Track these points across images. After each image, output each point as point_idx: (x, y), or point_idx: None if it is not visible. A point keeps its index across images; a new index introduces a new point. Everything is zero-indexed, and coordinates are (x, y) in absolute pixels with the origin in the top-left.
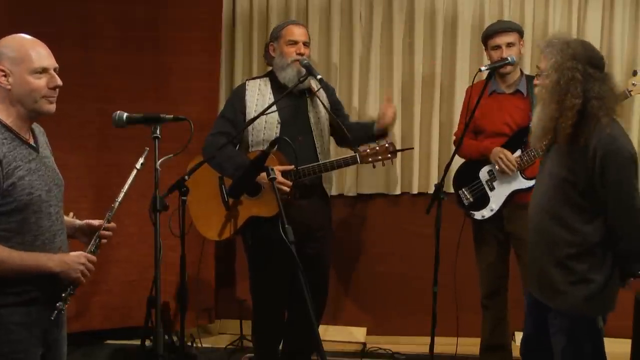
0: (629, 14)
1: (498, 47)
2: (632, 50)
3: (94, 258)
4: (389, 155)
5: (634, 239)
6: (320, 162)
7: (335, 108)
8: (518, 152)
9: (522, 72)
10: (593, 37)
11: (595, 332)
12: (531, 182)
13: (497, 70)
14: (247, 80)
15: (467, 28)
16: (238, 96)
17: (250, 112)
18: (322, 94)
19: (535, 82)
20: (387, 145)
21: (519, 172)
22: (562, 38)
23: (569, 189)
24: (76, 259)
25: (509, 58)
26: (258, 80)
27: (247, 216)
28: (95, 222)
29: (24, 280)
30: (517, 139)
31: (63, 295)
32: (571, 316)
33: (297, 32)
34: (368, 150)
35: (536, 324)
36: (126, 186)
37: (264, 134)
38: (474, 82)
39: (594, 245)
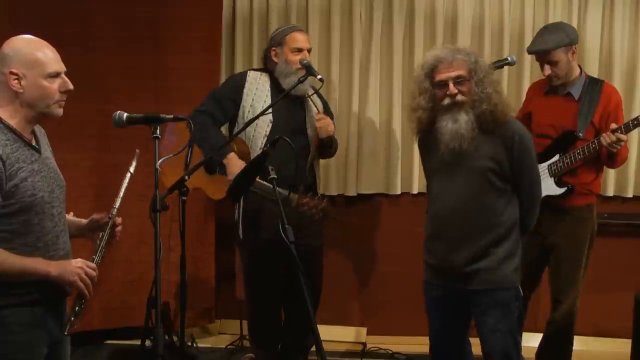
0: (629, 14)
1: (542, 65)
2: (632, 50)
3: (93, 265)
4: (320, 212)
5: (536, 211)
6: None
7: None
8: (556, 157)
9: (582, 73)
10: (593, 37)
11: (520, 300)
12: (562, 189)
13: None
14: (249, 70)
15: (467, 28)
16: (237, 86)
17: (246, 104)
18: (316, 99)
19: (456, 90)
20: (318, 200)
21: (552, 177)
22: (459, 46)
23: (493, 177)
24: (74, 263)
25: (508, 58)
26: (259, 73)
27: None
28: (99, 216)
29: (27, 281)
30: (560, 143)
31: (76, 309)
32: (504, 289)
33: (301, 39)
34: (303, 200)
35: (446, 316)
36: (121, 192)
37: (255, 130)
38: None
39: (514, 223)
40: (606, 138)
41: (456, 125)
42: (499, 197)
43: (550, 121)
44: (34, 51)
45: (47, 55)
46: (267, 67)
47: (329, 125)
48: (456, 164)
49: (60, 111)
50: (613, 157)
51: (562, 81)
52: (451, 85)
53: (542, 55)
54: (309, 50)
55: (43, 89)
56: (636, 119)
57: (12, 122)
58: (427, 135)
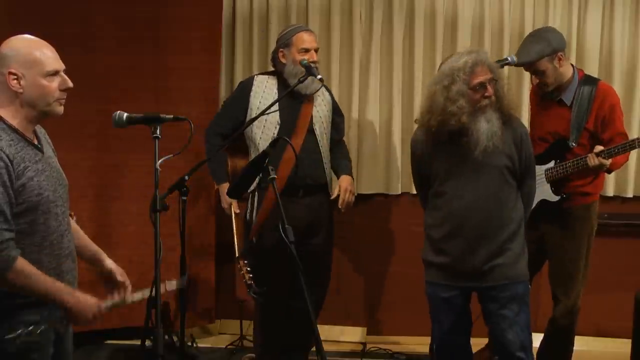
0: (629, 14)
1: (530, 75)
2: (632, 50)
3: (104, 307)
4: (248, 284)
5: (531, 206)
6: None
7: (335, 122)
8: (552, 164)
9: (575, 74)
10: (593, 37)
11: (529, 293)
12: (558, 197)
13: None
14: (256, 74)
15: (467, 28)
16: (243, 92)
17: (254, 108)
18: (326, 97)
19: (491, 92)
20: (250, 280)
21: (548, 183)
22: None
23: (507, 174)
24: (93, 307)
25: (508, 58)
26: (267, 76)
27: None
28: (118, 276)
29: None
30: (555, 149)
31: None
32: (520, 282)
33: (308, 40)
34: (241, 263)
35: (455, 316)
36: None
37: (262, 132)
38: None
39: (521, 217)
40: (591, 160)
41: (489, 125)
42: (510, 193)
43: (547, 128)
44: (33, 51)
45: (45, 54)
46: (276, 68)
47: (351, 203)
48: (477, 163)
49: (60, 109)
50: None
51: (553, 87)
52: (489, 87)
53: (527, 67)
54: (316, 50)
55: (42, 87)
56: (617, 146)
57: (14, 123)
58: (442, 139)
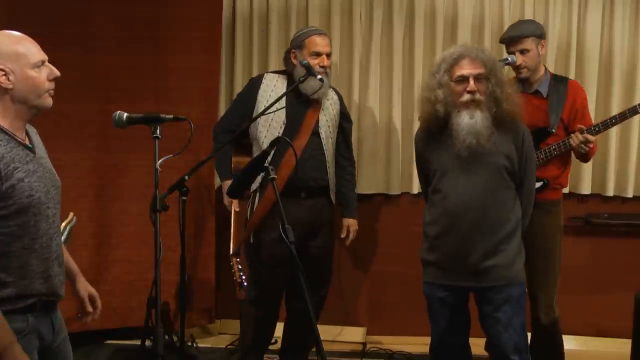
0: (629, 14)
1: (513, 54)
2: (632, 50)
3: None
4: (238, 282)
5: (531, 209)
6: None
7: (342, 127)
8: None
9: (547, 71)
10: (593, 37)
11: (525, 295)
12: (539, 184)
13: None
14: (266, 73)
15: (467, 28)
16: (251, 89)
17: (261, 107)
18: (335, 102)
19: (475, 87)
20: (240, 278)
21: None
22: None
23: (506, 174)
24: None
25: (509, 58)
26: (277, 75)
27: None
28: (86, 304)
29: (21, 287)
30: (535, 138)
31: None
32: (516, 284)
33: (320, 44)
34: (234, 261)
35: (452, 316)
36: None
37: (267, 130)
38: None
39: (519, 219)
40: (574, 139)
41: (472, 121)
42: (508, 193)
43: (524, 119)
44: (14, 45)
45: (27, 47)
46: (287, 68)
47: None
48: (473, 160)
49: (50, 101)
50: (584, 155)
51: (530, 74)
52: (471, 81)
53: (515, 43)
54: (328, 55)
55: (32, 79)
56: (603, 122)
57: (4, 123)
58: (435, 133)
